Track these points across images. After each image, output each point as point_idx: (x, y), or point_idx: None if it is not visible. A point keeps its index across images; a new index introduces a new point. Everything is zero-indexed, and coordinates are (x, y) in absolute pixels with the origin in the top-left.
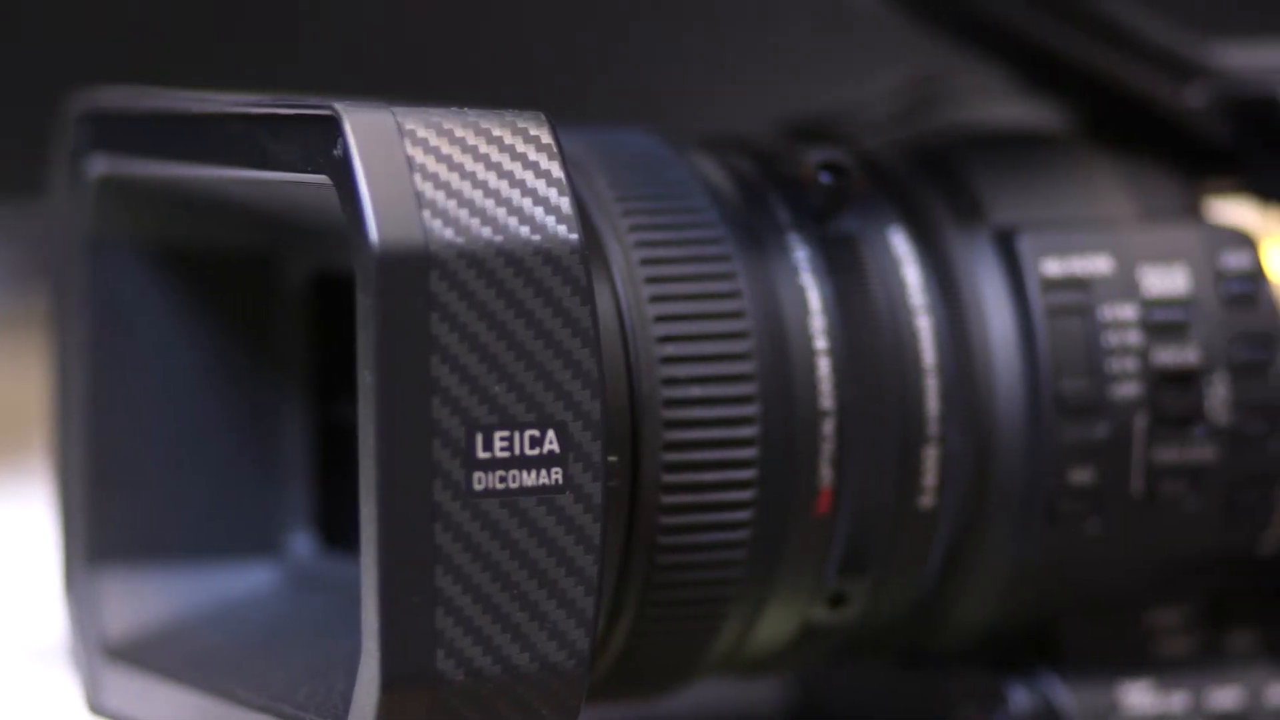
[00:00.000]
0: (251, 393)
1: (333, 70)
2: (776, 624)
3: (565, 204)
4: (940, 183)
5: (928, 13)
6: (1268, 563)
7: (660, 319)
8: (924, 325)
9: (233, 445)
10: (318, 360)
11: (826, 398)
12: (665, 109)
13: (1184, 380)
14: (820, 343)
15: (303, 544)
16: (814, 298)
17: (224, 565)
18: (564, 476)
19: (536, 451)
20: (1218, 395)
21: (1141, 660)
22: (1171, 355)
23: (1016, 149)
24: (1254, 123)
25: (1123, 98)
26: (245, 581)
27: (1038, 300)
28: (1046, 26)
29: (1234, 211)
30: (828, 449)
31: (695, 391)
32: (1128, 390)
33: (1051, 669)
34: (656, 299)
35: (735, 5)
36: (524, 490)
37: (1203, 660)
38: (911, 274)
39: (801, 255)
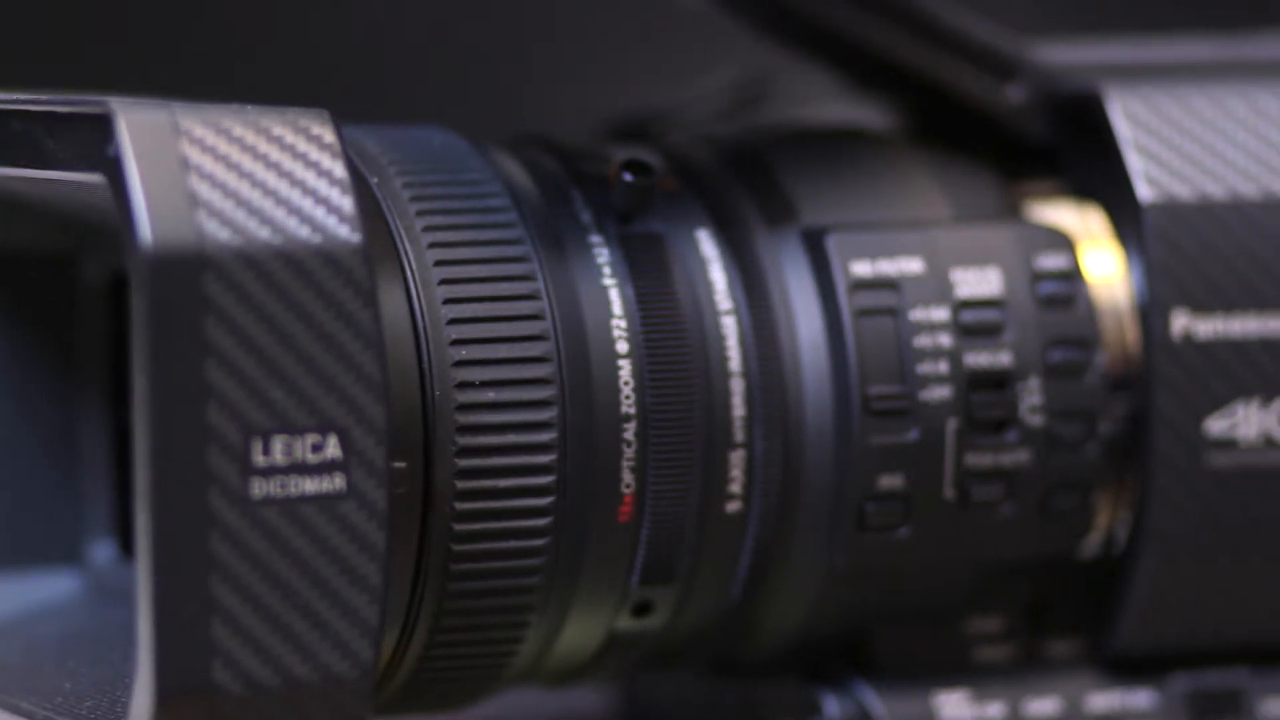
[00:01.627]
0: (53, 398)
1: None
2: (581, 633)
3: (347, 204)
4: (752, 183)
5: (751, 13)
6: (1088, 568)
7: (454, 321)
8: (730, 327)
9: (34, 452)
10: (116, 365)
11: (628, 402)
12: (491, 110)
13: (997, 383)
14: (622, 345)
15: (103, 552)
16: (616, 299)
17: (25, 575)
18: (347, 483)
19: (318, 458)
20: (1032, 398)
21: (958, 669)
22: (984, 358)
23: (832, 149)
24: (1074, 121)
25: (944, 97)
26: (46, 591)
27: (846, 302)
28: (867, 26)
29: (1053, 212)
30: (630, 454)
31: (490, 396)
32: (939, 393)
33: (865, 678)
34: (451, 301)
35: (565, 5)
36: (305, 498)
37: (1021, 668)
38: (718, 275)
39: (604, 256)
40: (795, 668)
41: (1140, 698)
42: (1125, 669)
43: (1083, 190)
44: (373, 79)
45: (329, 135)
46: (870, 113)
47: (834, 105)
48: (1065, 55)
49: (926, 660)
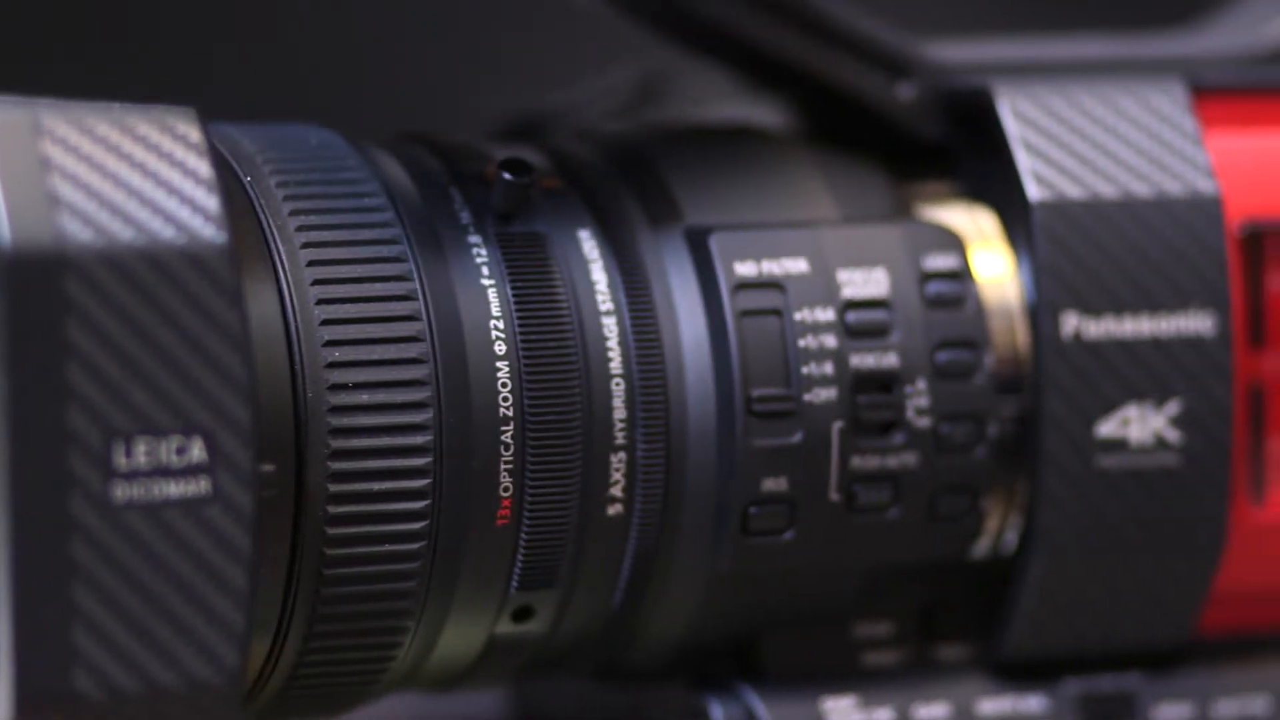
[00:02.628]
0: None
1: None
2: (460, 638)
3: (213, 203)
4: (637, 182)
5: (644, 12)
6: (978, 572)
7: (327, 322)
8: (611, 328)
9: None
10: None
11: (506, 404)
12: (387, 110)
13: (883, 385)
14: (500, 346)
15: None
16: (495, 300)
17: None
18: (212, 486)
19: (182, 461)
20: (919, 400)
21: (847, 674)
22: (870, 359)
23: (719, 149)
24: (964, 119)
25: (836, 96)
26: None
27: (729, 302)
28: (759, 25)
29: (944, 212)
30: (508, 457)
31: (364, 398)
32: (824, 395)
33: (752, 684)
34: (324, 301)
35: (463, 4)
36: (169, 501)
37: (911, 673)
38: (600, 275)
39: (483, 256)
40: (682, 673)
41: (1031, 702)
42: (1016, 673)
43: (975, 190)
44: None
45: (195, 134)
46: (764, 112)
47: (729, 105)
48: (956, 53)
49: (815, 665)
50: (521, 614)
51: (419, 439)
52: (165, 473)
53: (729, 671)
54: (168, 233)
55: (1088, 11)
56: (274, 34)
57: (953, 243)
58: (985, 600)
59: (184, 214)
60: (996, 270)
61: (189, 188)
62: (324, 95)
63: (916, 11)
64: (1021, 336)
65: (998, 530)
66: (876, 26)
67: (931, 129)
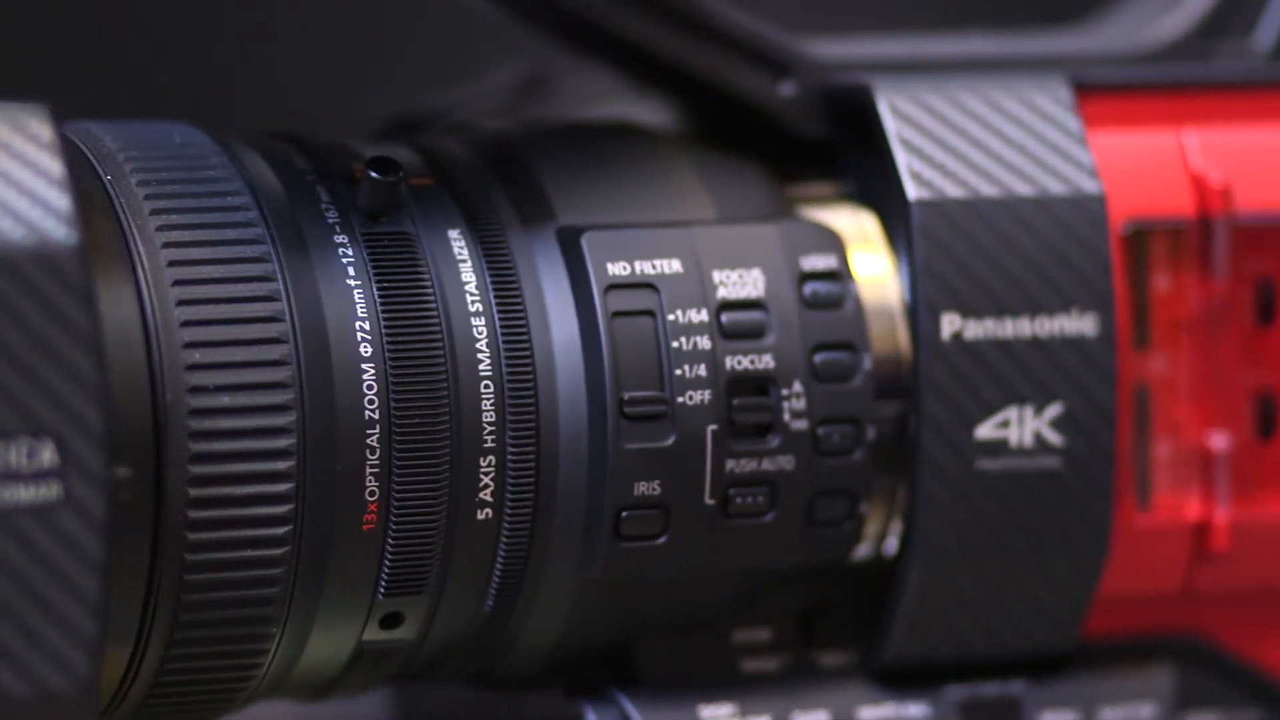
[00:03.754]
0: None
1: None
2: (328, 646)
3: (64, 203)
4: (511, 181)
5: (526, 11)
6: (859, 577)
7: (188, 323)
8: (481, 330)
9: None
10: None
11: (372, 407)
12: (273, 109)
13: (759, 387)
14: (366, 348)
15: None
16: (360, 300)
17: None
18: (64, 491)
19: (33, 465)
20: (795, 403)
21: (726, 680)
22: (746, 361)
23: (597, 149)
24: (845, 118)
25: (719, 94)
26: None
27: (601, 303)
28: (641, 24)
29: (826, 212)
30: (374, 461)
31: (225, 400)
32: (698, 398)
33: (628, 691)
34: (184, 302)
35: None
36: (19, 507)
37: (791, 680)
38: (470, 276)
39: (349, 256)
40: (559, 679)
41: (913, 709)
42: (898, 680)
43: (857, 189)
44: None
45: (47, 132)
46: (648, 111)
47: (614, 104)
48: (838, 51)
49: (692, 671)
50: (390, 621)
51: (281, 442)
52: (14, 477)
53: (606, 678)
54: (17, 233)
55: (977, 10)
56: (166, 31)
57: (832, 243)
58: (867, 606)
59: (34, 214)
60: (877, 271)
61: (40, 187)
62: (208, 94)
63: (800, 9)
64: (903, 338)
65: (879, 535)
66: (758, 24)
67: (813, 127)
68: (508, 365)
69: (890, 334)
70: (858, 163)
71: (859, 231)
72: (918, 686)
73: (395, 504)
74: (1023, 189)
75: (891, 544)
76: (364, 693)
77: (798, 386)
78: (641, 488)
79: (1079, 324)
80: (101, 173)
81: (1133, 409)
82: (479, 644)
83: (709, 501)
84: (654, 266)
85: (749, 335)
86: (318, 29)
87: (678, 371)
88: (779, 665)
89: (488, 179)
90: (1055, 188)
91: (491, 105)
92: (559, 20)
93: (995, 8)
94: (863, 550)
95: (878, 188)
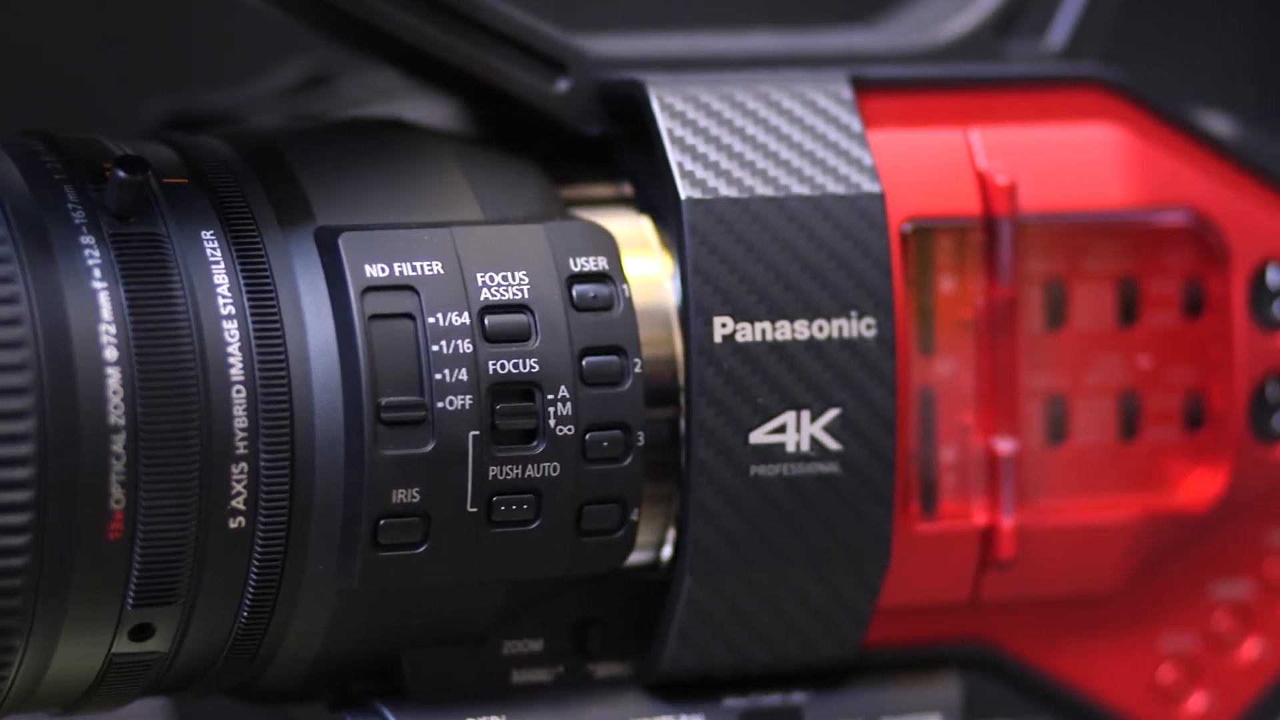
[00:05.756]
0: None
1: None
2: (76, 658)
3: None
4: (271, 181)
5: (300, 10)
6: (634, 587)
7: None
8: (233, 333)
9: None
10: None
11: (118, 412)
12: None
13: (524, 392)
14: (111, 352)
15: None
16: (106, 303)
17: None
18: None
19: None
20: (562, 408)
21: (495, 693)
22: (509, 365)
23: (361, 148)
24: (620, 116)
25: (496, 92)
26: None
27: (357, 306)
28: (415, 21)
29: (600, 212)
30: (119, 468)
31: None
32: (458, 403)
33: (392, 703)
34: None
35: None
36: None
37: (565, 691)
38: (222, 278)
39: (95, 257)
40: (324, 692)
41: None
42: (674, 692)
43: (635, 189)
44: None
45: None
46: (431, 111)
47: (400, 103)
48: (615, 48)
49: (460, 683)
50: (140, 632)
51: (21, 449)
52: None
53: (370, 690)
54: None
55: (774, 11)
56: None
57: (603, 244)
58: (643, 616)
59: None
60: (652, 272)
61: None
62: None
63: (579, 6)
64: (677, 342)
65: (656, 543)
66: (533, 21)
67: (589, 125)
68: (261, 370)
69: (665, 338)
70: (632, 161)
71: (636, 233)
72: (695, 698)
73: (143, 512)
74: (799, 188)
75: (668, 552)
76: (119, 706)
77: (564, 391)
78: (400, 495)
79: (858, 327)
80: None
81: (917, 413)
82: (237, 656)
83: (471, 509)
84: (414, 268)
85: (513, 339)
86: (99, 27)
87: (438, 376)
88: (551, 677)
89: (246, 179)
90: (833, 187)
91: (270, 104)
92: (334, 20)
93: (792, 9)
94: (640, 558)
95: (653, 188)
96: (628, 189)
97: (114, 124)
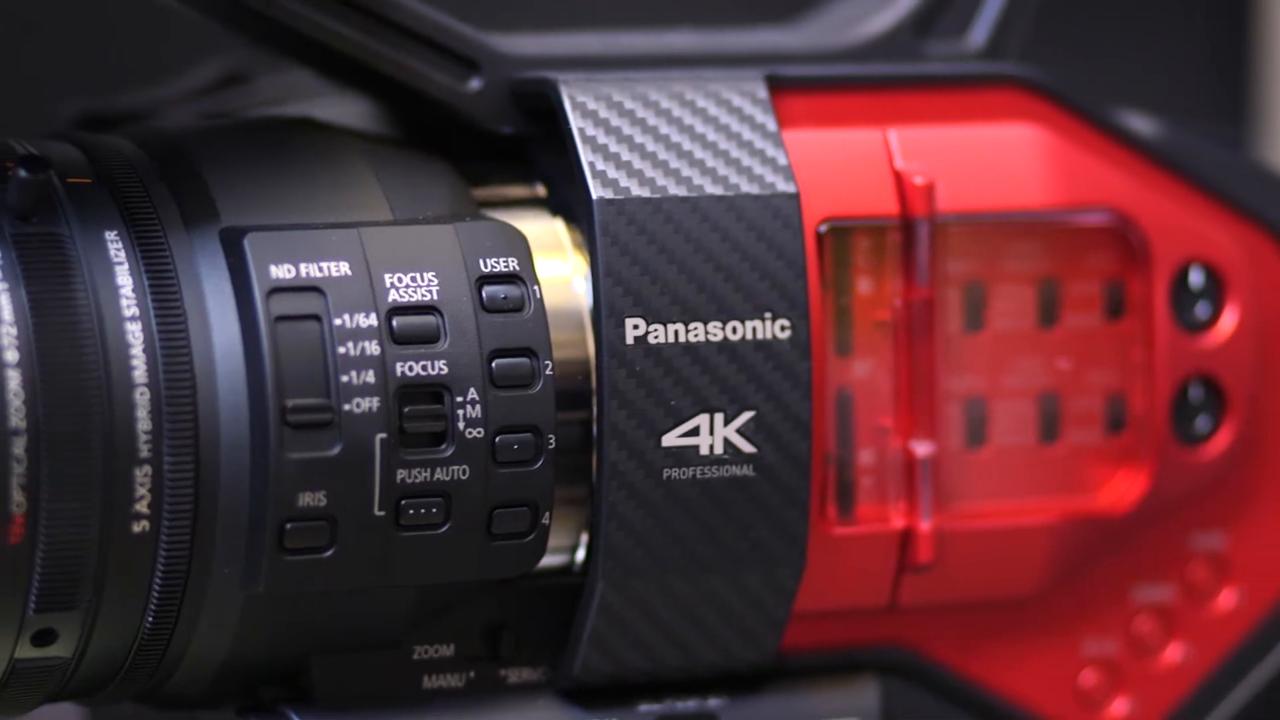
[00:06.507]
0: None
1: None
2: None
3: None
4: (176, 181)
5: (214, 11)
6: (546, 591)
7: None
8: (136, 335)
9: None
10: None
11: (19, 415)
12: None
13: (433, 394)
14: (11, 354)
15: None
16: (6, 304)
17: None
18: None
19: None
20: (472, 411)
21: (407, 698)
22: (418, 367)
23: (271, 148)
24: (533, 116)
25: (410, 92)
26: None
27: (262, 307)
28: (328, 20)
29: (513, 213)
30: (19, 472)
31: None
32: (365, 405)
33: (300, 709)
34: None
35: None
36: None
37: (477, 697)
38: (126, 279)
39: None
40: (233, 697)
41: None
42: (588, 698)
43: (547, 189)
44: None
45: None
46: (342, 110)
47: (317, 103)
48: (529, 46)
49: (370, 689)
50: (42, 637)
51: None
52: None
53: (279, 696)
54: None
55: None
56: None
57: (514, 245)
58: (556, 621)
59: None
60: (565, 273)
61: None
62: None
63: (495, 5)
64: (590, 344)
65: (569, 547)
66: (446, 20)
67: (502, 125)
68: (165, 372)
69: (578, 340)
70: (548, 163)
71: (549, 233)
72: (609, 704)
73: (45, 516)
74: (713, 188)
75: (582, 556)
76: (22, 713)
77: (473, 394)
78: (306, 498)
79: (772, 328)
80: None
81: (834, 415)
82: (143, 661)
83: (379, 513)
84: (320, 269)
85: (421, 340)
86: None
87: (344, 378)
88: (463, 682)
89: (152, 179)
90: (747, 187)
91: (186, 103)
92: (247, 20)
93: (712, 9)
94: (553, 562)
95: (566, 188)
96: (541, 189)
97: (22, 124)
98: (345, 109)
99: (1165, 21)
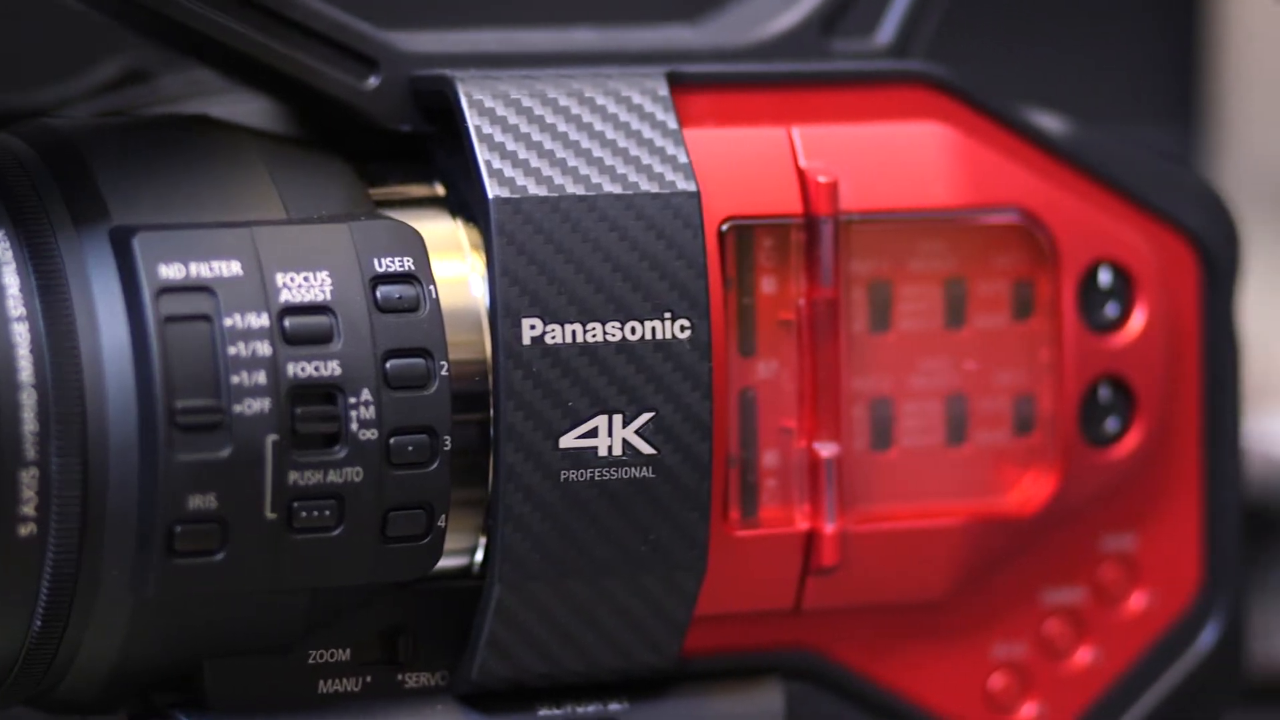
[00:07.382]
0: None
1: None
2: None
3: None
4: (65, 180)
5: (110, 10)
6: (444, 595)
7: None
8: (21, 335)
9: None
10: None
11: None
12: None
13: (325, 395)
14: None
15: None
16: None
17: None
18: None
19: None
20: (365, 412)
21: (302, 703)
22: (310, 368)
23: (163, 146)
24: (431, 114)
25: (307, 91)
26: None
27: (151, 307)
28: (222, 17)
29: (410, 212)
30: None
31: None
32: (256, 406)
33: (193, 714)
34: None
35: None
36: None
37: (374, 702)
38: (11, 279)
39: None
40: (125, 702)
41: None
42: (486, 702)
43: (445, 188)
44: None
45: None
46: (241, 108)
47: (218, 101)
48: (428, 44)
49: (263, 694)
50: None
51: None
52: None
53: (171, 701)
54: None
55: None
56: None
57: (410, 244)
58: (455, 624)
59: None
60: (462, 273)
61: None
62: None
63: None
64: (488, 345)
65: (467, 549)
66: (343, 17)
67: (400, 123)
68: (53, 373)
69: (475, 340)
70: (446, 162)
71: (447, 233)
72: (508, 708)
73: None
74: (611, 187)
75: (480, 559)
76: None
77: (366, 395)
78: (196, 501)
79: (671, 329)
80: None
81: (737, 416)
82: (32, 666)
83: (270, 515)
84: (211, 269)
85: (314, 341)
86: None
87: (235, 379)
88: (359, 686)
89: (41, 177)
90: (646, 185)
91: (83, 101)
92: (144, 18)
93: (616, 8)
94: (451, 564)
95: (464, 187)
96: (440, 189)
97: None
98: (245, 107)
99: (1116, 23)
